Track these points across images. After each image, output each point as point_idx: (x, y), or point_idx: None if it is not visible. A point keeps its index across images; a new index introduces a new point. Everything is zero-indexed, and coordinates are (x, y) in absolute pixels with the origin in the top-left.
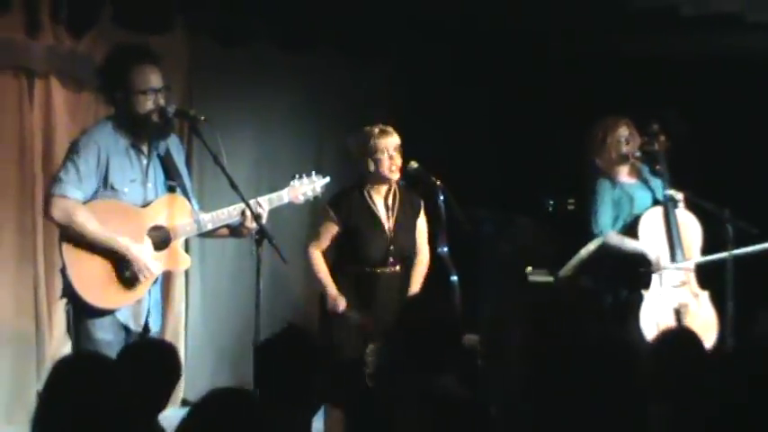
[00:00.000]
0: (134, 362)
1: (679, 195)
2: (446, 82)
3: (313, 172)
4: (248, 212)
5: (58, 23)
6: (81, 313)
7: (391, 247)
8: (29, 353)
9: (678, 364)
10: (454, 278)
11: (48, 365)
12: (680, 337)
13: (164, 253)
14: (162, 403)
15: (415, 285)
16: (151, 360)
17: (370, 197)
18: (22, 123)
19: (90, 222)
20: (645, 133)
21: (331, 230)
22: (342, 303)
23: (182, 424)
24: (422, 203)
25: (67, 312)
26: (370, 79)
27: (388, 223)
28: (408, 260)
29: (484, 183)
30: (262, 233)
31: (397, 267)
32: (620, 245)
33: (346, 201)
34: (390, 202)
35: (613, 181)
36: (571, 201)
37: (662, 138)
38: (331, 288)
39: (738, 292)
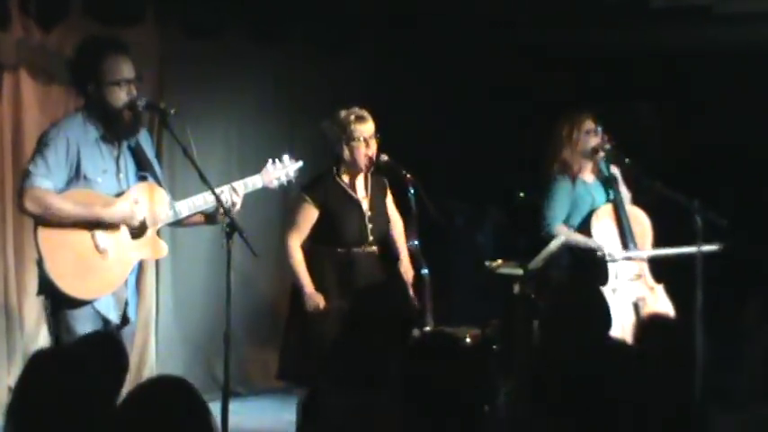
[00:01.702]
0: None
1: (624, 191)
2: (417, 72)
3: (286, 156)
4: (223, 197)
5: (28, 16)
6: (59, 307)
7: (370, 227)
8: None
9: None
10: (425, 271)
11: (18, 359)
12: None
13: (140, 241)
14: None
15: (405, 259)
16: (101, 353)
17: (344, 180)
18: None
19: (65, 203)
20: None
21: (310, 216)
22: (321, 301)
23: (119, 408)
24: (386, 182)
25: (46, 308)
26: (341, 69)
27: (364, 204)
28: (385, 242)
29: (455, 174)
30: (232, 226)
31: (374, 248)
32: (570, 240)
33: (321, 185)
34: (363, 184)
35: (574, 179)
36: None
37: (606, 136)
38: (308, 285)
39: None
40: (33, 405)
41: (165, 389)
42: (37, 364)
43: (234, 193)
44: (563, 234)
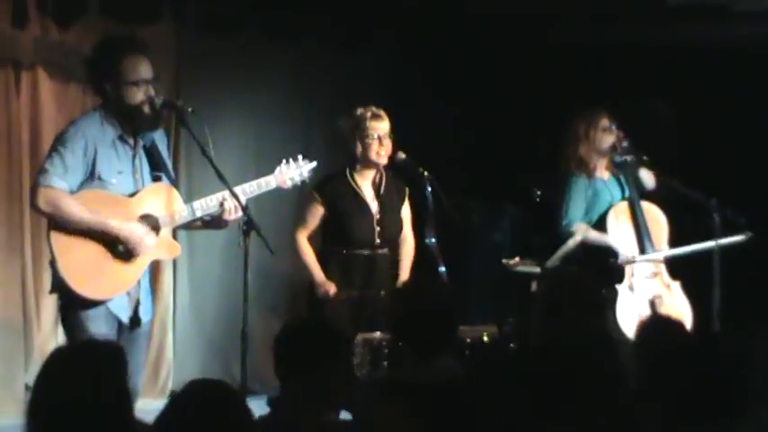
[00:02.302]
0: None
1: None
2: (434, 70)
3: (300, 156)
4: (226, 205)
5: (45, 14)
6: (73, 307)
7: (378, 229)
8: (17, 345)
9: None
10: (442, 269)
11: (35, 358)
12: (664, 326)
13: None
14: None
15: (405, 273)
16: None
17: (356, 181)
18: (9, 115)
19: (77, 209)
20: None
21: (317, 214)
22: (332, 288)
23: (162, 414)
24: (407, 191)
25: (59, 308)
26: (358, 67)
27: (373, 206)
28: (395, 243)
29: (472, 172)
30: (249, 224)
31: (385, 249)
32: (587, 238)
33: (331, 185)
34: (376, 185)
35: (590, 176)
36: (554, 192)
37: (622, 134)
38: (318, 274)
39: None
40: (53, 403)
41: (209, 392)
42: (56, 362)
43: (233, 199)
44: (582, 232)
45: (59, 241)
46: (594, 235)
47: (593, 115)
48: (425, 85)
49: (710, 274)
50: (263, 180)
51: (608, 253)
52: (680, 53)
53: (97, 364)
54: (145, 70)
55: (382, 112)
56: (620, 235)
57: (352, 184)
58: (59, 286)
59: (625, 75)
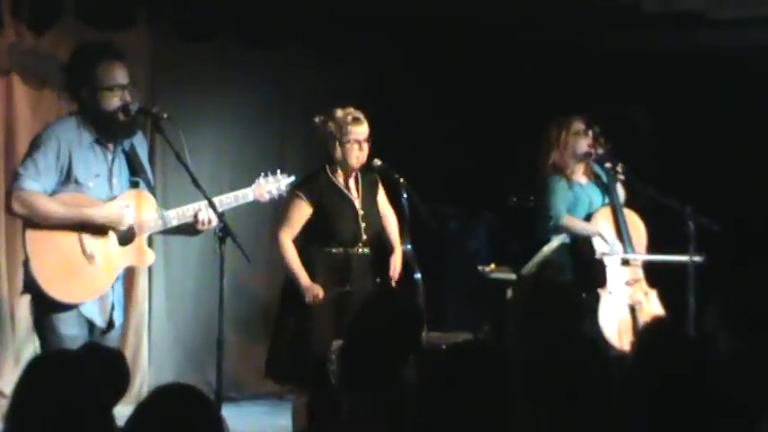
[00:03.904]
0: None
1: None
2: (412, 79)
3: (278, 171)
4: (200, 216)
5: (20, 20)
6: (45, 308)
7: (363, 225)
8: None
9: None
10: (418, 276)
11: (10, 362)
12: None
13: (128, 248)
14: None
15: (397, 252)
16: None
17: (338, 179)
18: None
19: (53, 206)
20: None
21: (303, 213)
22: (319, 292)
23: (130, 419)
24: (378, 178)
25: (31, 308)
26: (335, 76)
27: (356, 202)
28: (377, 241)
29: (448, 179)
30: (225, 231)
31: (367, 249)
32: (574, 227)
33: (315, 182)
34: (353, 182)
35: (569, 180)
36: (533, 198)
37: (602, 139)
38: (304, 279)
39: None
40: (33, 409)
41: (178, 397)
42: (38, 368)
43: (210, 209)
44: (569, 223)
45: (34, 243)
46: (581, 225)
47: (565, 120)
48: (402, 92)
49: (685, 284)
50: (240, 192)
51: (591, 253)
52: (655, 60)
53: (80, 372)
54: (121, 76)
55: (361, 116)
56: (602, 240)
57: (336, 182)
58: (31, 287)
59: (601, 82)
